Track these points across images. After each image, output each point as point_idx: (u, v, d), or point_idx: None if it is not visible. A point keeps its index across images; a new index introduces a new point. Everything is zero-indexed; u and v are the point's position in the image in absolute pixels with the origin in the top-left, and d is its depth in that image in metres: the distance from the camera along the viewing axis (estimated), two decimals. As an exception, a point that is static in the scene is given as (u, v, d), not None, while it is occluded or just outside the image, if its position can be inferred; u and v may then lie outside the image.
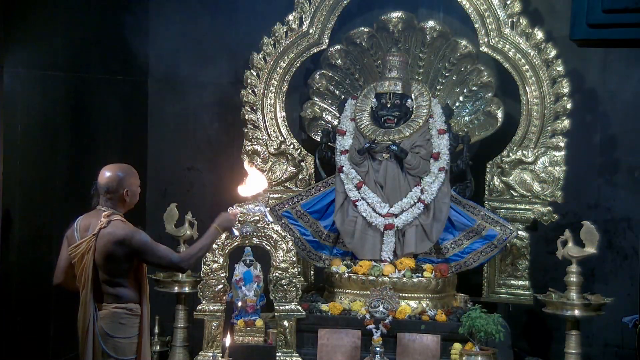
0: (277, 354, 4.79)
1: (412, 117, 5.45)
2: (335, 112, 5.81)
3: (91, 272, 3.60)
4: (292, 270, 4.89)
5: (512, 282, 5.53)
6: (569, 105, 5.41)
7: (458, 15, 5.75)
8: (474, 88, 5.61)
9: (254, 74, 5.76)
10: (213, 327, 4.89)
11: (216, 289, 4.87)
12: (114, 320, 3.63)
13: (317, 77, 5.79)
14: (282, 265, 4.89)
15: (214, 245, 4.81)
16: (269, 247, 4.92)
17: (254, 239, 4.88)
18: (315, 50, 5.75)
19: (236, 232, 4.11)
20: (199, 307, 4.91)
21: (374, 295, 4.97)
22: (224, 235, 4.82)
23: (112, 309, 3.64)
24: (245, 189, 4.13)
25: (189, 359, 5.09)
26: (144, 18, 6.19)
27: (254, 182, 4.17)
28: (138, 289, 3.72)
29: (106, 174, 3.70)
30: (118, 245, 3.57)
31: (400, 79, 5.40)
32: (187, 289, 5.25)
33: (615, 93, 5.73)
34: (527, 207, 5.48)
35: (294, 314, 4.88)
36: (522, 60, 5.43)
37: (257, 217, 4.85)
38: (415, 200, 5.29)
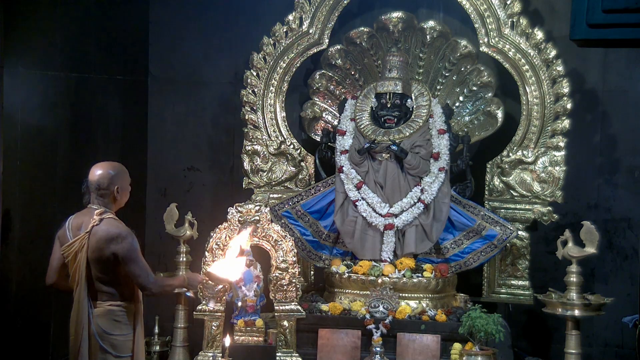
0: (277, 354, 4.79)
1: (412, 117, 5.45)
2: (335, 112, 5.81)
3: (85, 271, 3.61)
4: (292, 270, 4.89)
5: (512, 282, 5.53)
6: (569, 105, 5.40)
7: (458, 15, 5.75)
8: (474, 88, 5.60)
9: (254, 74, 5.76)
10: (213, 327, 4.89)
11: (216, 289, 4.87)
12: (110, 318, 3.64)
13: (317, 77, 5.79)
14: (282, 265, 4.88)
15: (214, 245, 4.85)
16: (269, 247, 4.92)
17: (254, 238, 4.88)
18: (315, 50, 5.74)
19: (189, 294, 4.09)
20: (199, 307, 4.91)
21: (374, 295, 4.96)
22: (223, 235, 4.84)
23: (107, 307, 3.65)
24: (217, 270, 3.94)
25: (189, 359, 5.09)
26: (144, 18, 6.19)
27: (227, 269, 3.95)
28: (132, 286, 3.72)
29: (97, 171, 3.71)
30: (110, 243, 3.57)
31: (400, 79, 5.40)
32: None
33: (615, 93, 5.73)
34: (527, 207, 5.48)
35: (294, 314, 4.88)
36: (522, 60, 5.42)
37: (257, 217, 4.88)
38: (415, 200, 5.29)
